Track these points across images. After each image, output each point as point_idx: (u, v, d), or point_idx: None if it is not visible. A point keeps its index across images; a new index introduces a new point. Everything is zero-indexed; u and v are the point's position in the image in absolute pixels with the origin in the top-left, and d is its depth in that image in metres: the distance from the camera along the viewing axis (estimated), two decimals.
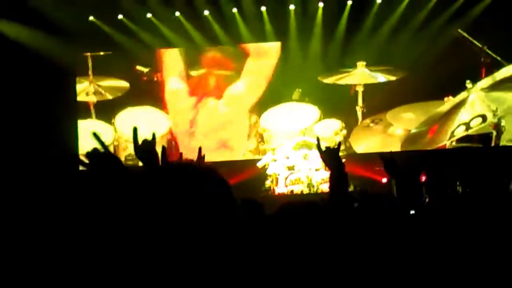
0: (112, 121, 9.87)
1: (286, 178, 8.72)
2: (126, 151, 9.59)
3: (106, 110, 10.04)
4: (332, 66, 9.80)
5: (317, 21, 9.77)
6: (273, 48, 10.01)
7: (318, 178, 8.78)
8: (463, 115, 9.35)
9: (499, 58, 9.37)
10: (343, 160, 3.03)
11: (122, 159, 9.41)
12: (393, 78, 9.67)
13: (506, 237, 2.68)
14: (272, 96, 9.96)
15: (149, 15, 9.83)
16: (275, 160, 8.89)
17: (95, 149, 2.23)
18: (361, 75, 9.78)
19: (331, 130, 9.58)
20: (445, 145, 9.46)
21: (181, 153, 2.64)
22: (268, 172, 8.95)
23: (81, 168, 2.22)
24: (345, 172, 2.82)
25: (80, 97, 10.05)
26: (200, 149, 2.83)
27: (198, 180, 1.79)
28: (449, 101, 9.48)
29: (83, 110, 10.00)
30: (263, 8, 9.73)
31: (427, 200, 3.39)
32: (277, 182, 8.82)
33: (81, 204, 2.26)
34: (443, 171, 3.36)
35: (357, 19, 9.62)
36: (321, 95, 9.80)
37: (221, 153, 9.71)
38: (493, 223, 2.74)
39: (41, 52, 9.07)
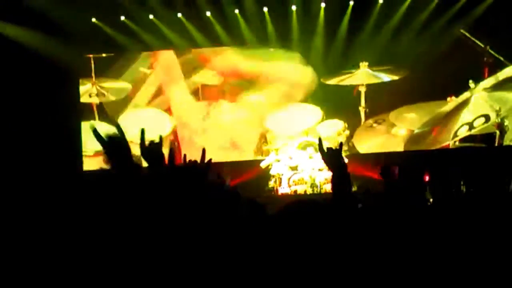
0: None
1: (290, 179, 8.72)
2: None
3: (109, 111, 10.06)
4: (335, 67, 9.79)
5: (319, 22, 9.76)
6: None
7: (322, 178, 8.78)
8: (466, 115, 9.34)
9: (501, 58, 9.36)
10: (346, 160, 3.02)
11: None
12: (395, 77, 9.66)
13: (508, 236, 2.68)
14: None
15: (151, 16, 9.84)
16: (279, 161, 8.90)
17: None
18: (363, 75, 9.77)
19: (334, 131, 9.57)
20: (449, 145, 9.45)
21: (184, 155, 2.63)
22: (272, 172, 8.95)
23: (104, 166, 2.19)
24: (347, 172, 2.79)
25: (83, 99, 10.07)
26: (203, 151, 2.82)
27: (202, 183, 1.80)
28: (452, 101, 9.47)
29: (86, 112, 10.02)
30: (265, 9, 9.73)
31: (431, 200, 3.38)
32: (280, 183, 8.82)
33: (84, 204, 2.27)
34: (446, 171, 3.35)
35: (359, 20, 9.61)
36: (323, 96, 9.80)
37: (229, 153, 9.73)
38: (496, 222, 2.74)
39: (45, 54, 9.08)
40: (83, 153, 9.50)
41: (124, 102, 10.14)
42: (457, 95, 9.44)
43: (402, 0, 9.58)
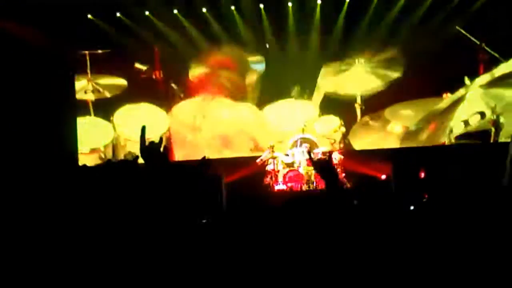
0: (111, 118, 9.86)
1: (285, 175, 8.72)
2: (125, 149, 9.58)
3: (105, 108, 10.03)
4: (331, 63, 9.81)
5: (315, 18, 9.78)
6: None
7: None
8: (461, 112, 9.36)
9: (497, 55, 9.38)
10: (342, 157, 3.06)
11: (121, 156, 9.42)
12: (391, 74, 9.68)
13: (503, 233, 2.69)
14: (271, 93, 9.97)
15: (147, 12, 9.83)
16: (274, 157, 8.89)
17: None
18: (360, 71, 9.80)
19: (330, 127, 9.58)
20: (444, 142, 9.47)
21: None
22: (267, 169, 8.95)
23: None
24: (339, 183, 2.89)
25: (79, 95, 10.02)
26: (204, 158, 2.84)
27: (199, 181, 1.80)
28: (448, 98, 9.49)
29: (82, 108, 9.99)
30: (262, 6, 9.74)
31: (426, 196, 3.39)
32: (276, 179, 8.82)
33: (81, 201, 2.27)
34: (442, 167, 3.37)
35: (356, 16, 9.63)
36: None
37: (223, 151, 9.73)
38: (491, 219, 2.75)
39: (40, 50, 9.06)
40: (79, 151, 9.48)
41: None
42: (452, 92, 9.46)
43: None
